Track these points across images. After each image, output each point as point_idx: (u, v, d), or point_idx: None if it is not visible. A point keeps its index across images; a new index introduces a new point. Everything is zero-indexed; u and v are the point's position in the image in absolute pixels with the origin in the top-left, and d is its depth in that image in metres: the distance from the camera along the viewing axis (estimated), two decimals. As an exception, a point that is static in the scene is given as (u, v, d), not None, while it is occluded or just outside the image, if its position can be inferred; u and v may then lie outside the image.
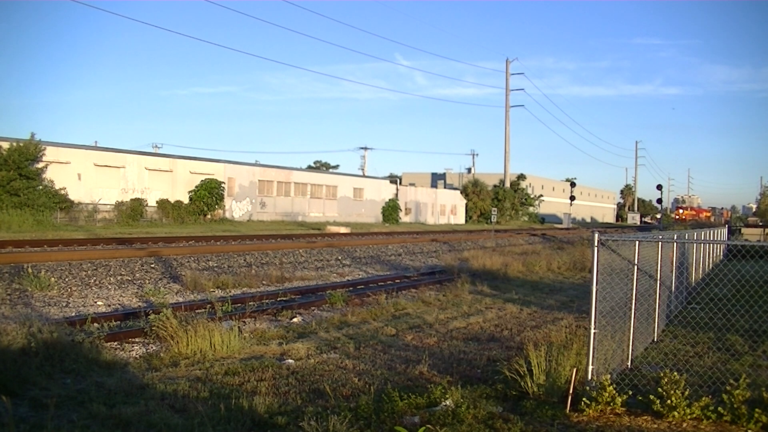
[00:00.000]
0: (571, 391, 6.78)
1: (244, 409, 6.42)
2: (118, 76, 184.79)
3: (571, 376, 6.90)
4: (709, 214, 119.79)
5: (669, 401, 6.43)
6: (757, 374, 8.07)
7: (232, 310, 12.38)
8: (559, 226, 77.83)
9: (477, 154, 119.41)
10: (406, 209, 69.59)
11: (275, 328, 11.53)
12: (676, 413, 6.42)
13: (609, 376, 6.86)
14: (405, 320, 12.57)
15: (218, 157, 71.61)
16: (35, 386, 7.26)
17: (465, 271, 20.74)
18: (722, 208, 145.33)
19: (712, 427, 6.36)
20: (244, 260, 21.69)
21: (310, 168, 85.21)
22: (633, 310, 8.64)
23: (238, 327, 10.42)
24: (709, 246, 21.63)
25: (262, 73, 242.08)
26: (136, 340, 10.22)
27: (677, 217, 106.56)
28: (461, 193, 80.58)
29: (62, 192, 37.62)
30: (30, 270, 15.16)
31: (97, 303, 13.89)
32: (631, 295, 8.61)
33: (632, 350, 8.74)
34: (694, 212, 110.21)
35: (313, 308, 14.03)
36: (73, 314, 12.32)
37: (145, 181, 44.49)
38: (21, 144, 36.09)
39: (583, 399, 6.66)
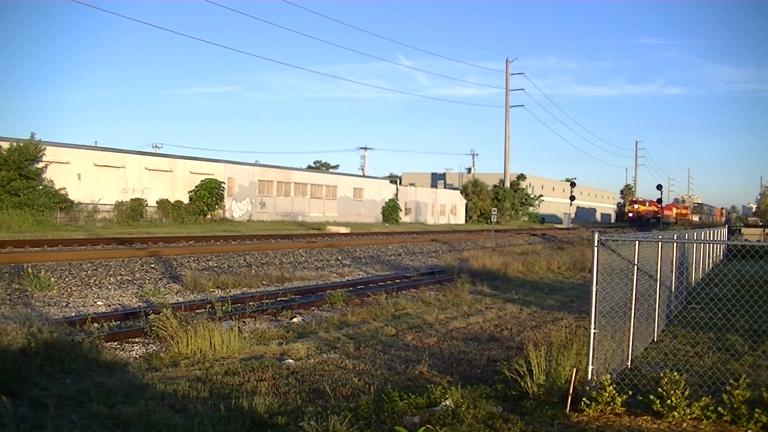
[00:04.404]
0: (571, 391, 6.77)
1: (244, 409, 6.42)
2: (118, 76, 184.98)
3: (571, 376, 6.90)
4: (686, 212, 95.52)
5: (669, 401, 6.43)
6: (757, 374, 8.07)
7: (232, 310, 12.38)
8: (559, 226, 77.79)
9: (477, 154, 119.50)
10: (406, 209, 69.59)
11: (275, 328, 11.53)
12: (676, 413, 6.42)
13: (609, 376, 6.86)
14: (405, 320, 12.57)
15: (218, 157, 71.73)
16: (35, 386, 7.26)
17: (465, 271, 20.74)
18: (722, 208, 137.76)
19: (712, 427, 6.36)
20: (244, 260, 21.69)
21: (310, 168, 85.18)
22: (633, 310, 8.63)
23: (238, 327, 10.42)
24: (709, 246, 21.63)
25: (263, 73, 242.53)
26: (136, 340, 10.22)
27: (631, 214, 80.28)
28: (461, 193, 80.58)
29: (62, 192, 37.64)
30: (30, 270, 15.16)
31: (97, 303, 13.89)
32: (631, 295, 8.61)
33: (632, 350, 8.73)
34: (655, 209, 74.88)
35: (313, 308, 14.03)
36: (73, 314, 12.32)
37: (145, 181, 44.50)
38: (21, 144, 36.12)
39: (583, 399, 6.65)
